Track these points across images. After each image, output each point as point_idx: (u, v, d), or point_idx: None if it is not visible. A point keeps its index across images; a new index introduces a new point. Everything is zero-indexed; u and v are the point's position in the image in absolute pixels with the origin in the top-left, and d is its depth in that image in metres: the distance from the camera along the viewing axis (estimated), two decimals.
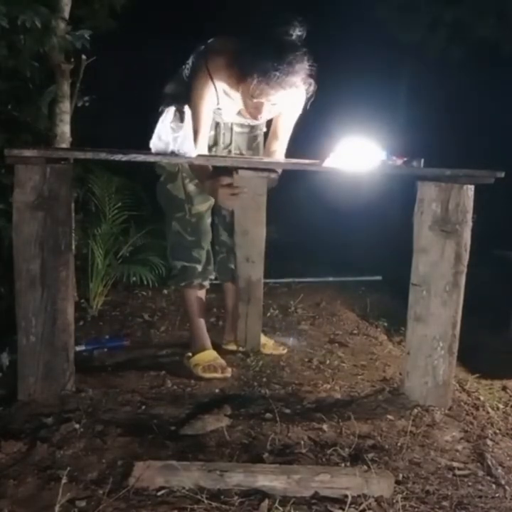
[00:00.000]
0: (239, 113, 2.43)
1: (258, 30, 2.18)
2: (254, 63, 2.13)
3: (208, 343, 2.57)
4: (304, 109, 2.33)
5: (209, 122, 2.34)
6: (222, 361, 2.47)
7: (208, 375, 2.39)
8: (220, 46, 2.28)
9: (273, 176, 2.24)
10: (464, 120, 6.71)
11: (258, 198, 2.24)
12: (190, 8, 6.14)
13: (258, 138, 2.59)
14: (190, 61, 2.38)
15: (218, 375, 2.39)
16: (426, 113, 7.05)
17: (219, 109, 2.36)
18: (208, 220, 2.53)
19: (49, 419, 1.90)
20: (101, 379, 2.30)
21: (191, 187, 2.44)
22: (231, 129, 2.50)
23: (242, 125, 2.51)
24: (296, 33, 2.14)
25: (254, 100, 2.23)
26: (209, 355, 2.49)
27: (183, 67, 2.41)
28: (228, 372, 2.42)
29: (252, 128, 2.55)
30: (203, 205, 2.47)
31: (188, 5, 6.13)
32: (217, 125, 2.45)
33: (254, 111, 2.30)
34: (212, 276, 2.60)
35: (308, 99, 2.30)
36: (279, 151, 2.49)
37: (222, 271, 2.67)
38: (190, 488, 1.56)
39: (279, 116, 2.43)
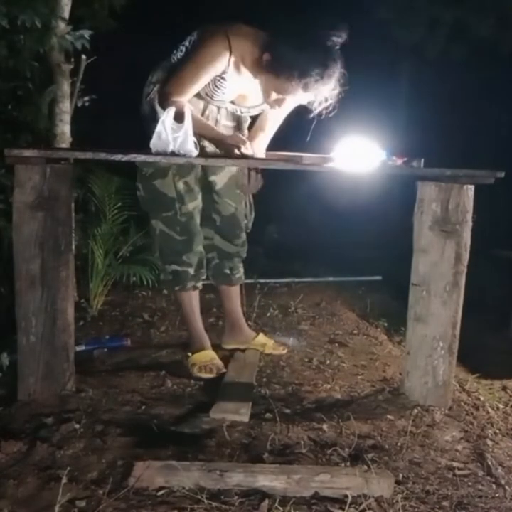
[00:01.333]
0: (233, 102, 2.38)
1: (302, 30, 2.12)
2: (296, 62, 2.08)
3: (207, 343, 2.57)
4: (329, 113, 2.29)
5: (207, 81, 2.23)
6: (218, 362, 2.47)
7: (203, 375, 2.39)
8: (237, 26, 2.22)
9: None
10: (464, 120, 6.71)
11: None
12: (191, 8, 6.15)
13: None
14: (186, 42, 2.29)
15: (214, 375, 2.39)
16: (426, 113, 7.05)
17: (217, 87, 2.27)
18: (198, 221, 2.49)
19: (49, 419, 1.90)
20: (101, 379, 2.30)
21: (181, 185, 2.39)
22: (218, 121, 2.43)
23: (231, 118, 2.46)
24: (339, 40, 2.11)
25: (278, 96, 2.20)
26: (206, 355, 2.49)
27: (174, 51, 2.33)
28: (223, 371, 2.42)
29: (239, 123, 2.51)
30: (192, 204, 2.44)
31: (189, 5, 6.15)
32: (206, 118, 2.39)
33: (273, 102, 2.26)
34: (204, 277, 2.59)
35: (333, 105, 2.25)
36: (262, 143, 2.47)
37: (217, 276, 2.67)
38: (190, 488, 1.56)
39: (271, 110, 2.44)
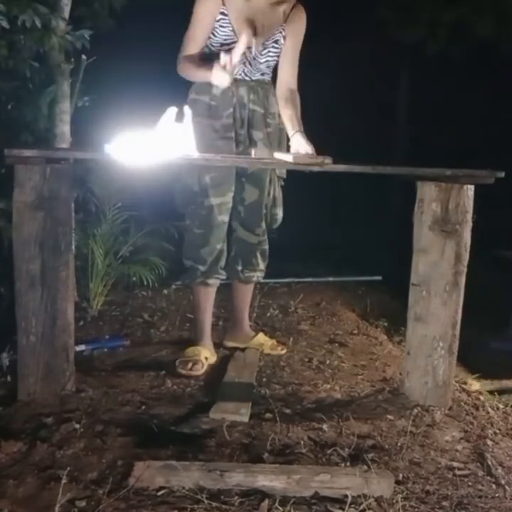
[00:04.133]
0: (247, 61, 2.40)
1: None
2: None
3: (202, 339, 2.60)
4: None
5: (205, 29, 2.37)
6: (200, 359, 2.46)
7: (179, 370, 2.39)
8: None
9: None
10: (464, 120, 6.71)
11: None
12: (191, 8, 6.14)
13: (271, 126, 2.51)
14: None
15: (186, 373, 2.37)
16: (426, 113, 7.05)
17: (223, 26, 2.35)
18: (221, 217, 2.49)
19: (49, 419, 1.90)
20: (101, 379, 2.30)
21: (207, 179, 2.43)
22: (245, 105, 2.44)
23: (254, 99, 2.45)
24: None
25: None
26: (192, 350, 2.52)
27: None
28: (197, 370, 2.40)
29: (266, 97, 2.50)
30: (216, 199, 2.46)
31: (189, 4, 6.14)
32: (233, 107, 2.41)
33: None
34: (222, 276, 2.61)
35: None
36: (292, 82, 2.50)
37: (228, 270, 2.69)
38: (190, 488, 1.56)
39: (283, 56, 2.47)
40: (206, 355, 2.52)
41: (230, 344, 2.73)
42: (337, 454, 1.80)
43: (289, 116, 2.44)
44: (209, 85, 2.33)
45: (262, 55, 2.43)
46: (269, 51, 2.44)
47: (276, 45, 2.45)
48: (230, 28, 2.36)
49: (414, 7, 6.32)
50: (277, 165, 2.38)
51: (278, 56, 2.48)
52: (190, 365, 2.41)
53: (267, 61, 2.46)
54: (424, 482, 1.70)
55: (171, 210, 2.83)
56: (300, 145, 2.29)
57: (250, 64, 2.43)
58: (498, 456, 1.90)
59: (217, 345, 2.72)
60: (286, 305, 3.61)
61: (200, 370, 2.42)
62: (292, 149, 2.32)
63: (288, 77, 2.50)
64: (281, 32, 2.44)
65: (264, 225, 2.65)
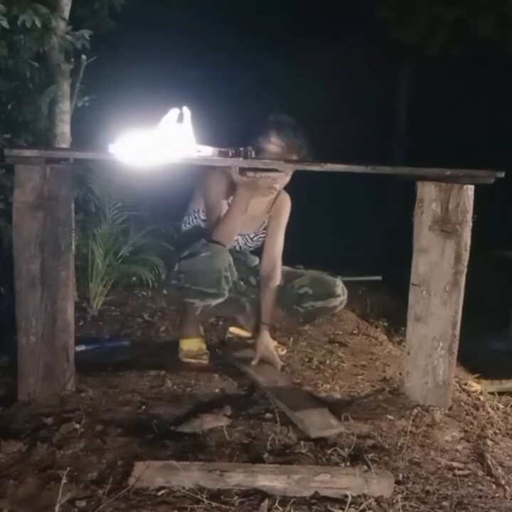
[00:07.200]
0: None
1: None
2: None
3: (198, 330, 2.68)
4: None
5: (225, 205, 2.46)
6: (203, 349, 2.61)
7: (192, 361, 2.54)
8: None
9: None
10: (464, 120, 6.72)
11: None
12: (191, 7, 6.14)
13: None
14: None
15: (196, 361, 2.54)
16: (425, 113, 7.06)
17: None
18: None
19: (49, 419, 1.90)
20: (101, 379, 2.29)
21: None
22: (242, 247, 2.65)
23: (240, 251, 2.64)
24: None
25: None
26: (193, 343, 2.62)
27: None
28: (206, 360, 2.55)
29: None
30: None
31: (189, 4, 6.14)
32: None
33: (266, 190, 2.44)
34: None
35: (304, 156, 2.40)
36: (276, 254, 2.65)
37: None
38: (190, 488, 1.56)
39: (267, 233, 2.64)
40: (205, 345, 2.64)
41: (234, 330, 2.77)
42: (337, 454, 1.80)
43: (265, 301, 2.56)
44: None
45: (253, 241, 2.65)
46: (260, 237, 2.65)
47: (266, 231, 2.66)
48: None
49: (414, 7, 6.33)
50: (277, 165, 2.38)
51: None
52: (199, 355, 2.55)
53: (258, 244, 2.67)
54: (424, 482, 1.70)
55: (170, 210, 2.83)
56: (262, 340, 2.49)
57: (241, 248, 2.64)
58: (498, 456, 1.90)
59: (218, 345, 2.73)
60: None
61: (207, 359, 2.56)
62: (258, 342, 2.50)
63: (271, 250, 2.64)
64: (267, 218, 2.64)
65: None
